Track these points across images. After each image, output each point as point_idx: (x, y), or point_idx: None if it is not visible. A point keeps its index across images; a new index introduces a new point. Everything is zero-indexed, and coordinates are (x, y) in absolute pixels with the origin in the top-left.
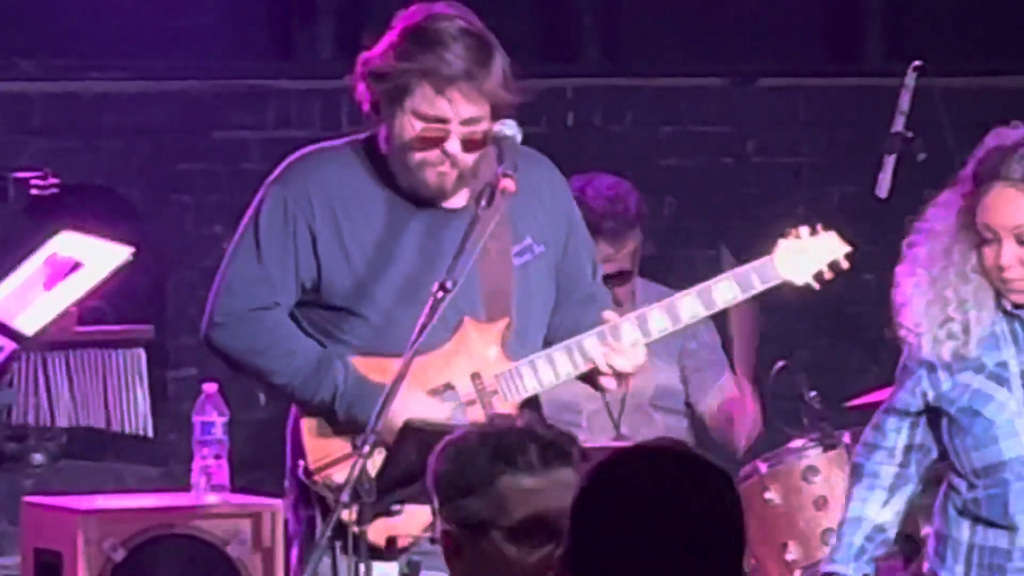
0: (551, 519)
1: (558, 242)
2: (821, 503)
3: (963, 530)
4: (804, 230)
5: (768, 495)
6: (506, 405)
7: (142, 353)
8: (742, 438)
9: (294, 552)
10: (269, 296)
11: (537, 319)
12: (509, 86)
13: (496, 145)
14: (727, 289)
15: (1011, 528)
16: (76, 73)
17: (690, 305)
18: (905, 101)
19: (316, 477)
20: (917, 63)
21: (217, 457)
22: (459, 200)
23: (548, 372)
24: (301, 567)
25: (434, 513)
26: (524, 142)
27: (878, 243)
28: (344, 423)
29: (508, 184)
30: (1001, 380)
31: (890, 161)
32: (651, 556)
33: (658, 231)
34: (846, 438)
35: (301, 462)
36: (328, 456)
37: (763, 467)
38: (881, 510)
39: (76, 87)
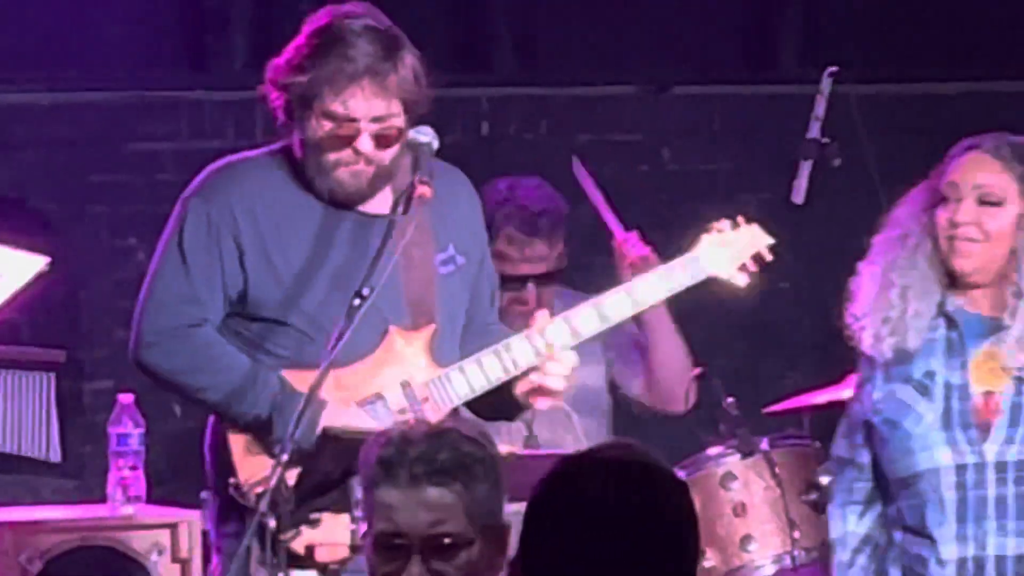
0: (403, 535)
1: (475, 258)
2: (740, 509)
3: (895, 535)
4: (726, 223)
5: None
6: (438, 412)
7: (52, 378)
8: (679, 402)
9: (215, 561)
10: (198, 313)
11: (459, 328)
12: (419, 82)
13: (412, 152)
14: (655, 286)
15: (930, 539)
16: None
17: (618, 303)
18: (820, 107)
19: (250, 494)
20: (832, 69)
21: (133, 468)
22: (382, 205)
23: (478, 376)
24: None
25: (353, 520)
26: (439, 152)
27: (794, 250)
28: (281, 438)
29: (424, 191)
30: (924, 390)
31: (806, 167)
32: (600, 567)
33: (574, 239)
34: (764, 444)
35: (232, 480)
36: (260, 473)
37: (681, 474)
38: (859, 522)
39: None
